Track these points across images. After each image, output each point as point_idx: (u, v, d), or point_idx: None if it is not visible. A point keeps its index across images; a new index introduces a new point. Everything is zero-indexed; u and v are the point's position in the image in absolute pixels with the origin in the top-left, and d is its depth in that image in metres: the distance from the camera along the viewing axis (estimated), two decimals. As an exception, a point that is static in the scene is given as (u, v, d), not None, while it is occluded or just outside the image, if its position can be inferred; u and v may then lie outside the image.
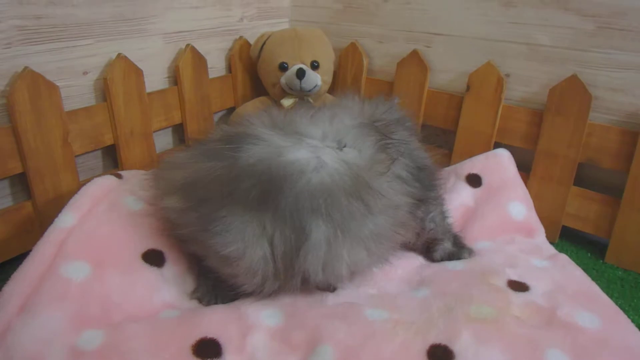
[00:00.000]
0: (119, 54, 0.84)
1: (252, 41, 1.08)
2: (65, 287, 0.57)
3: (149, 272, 0.64)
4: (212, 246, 0.58)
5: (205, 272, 0.65)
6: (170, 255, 0.67)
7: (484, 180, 0.85)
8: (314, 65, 1.00)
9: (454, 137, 0.99)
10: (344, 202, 0.57)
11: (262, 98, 1.07)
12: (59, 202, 0.76)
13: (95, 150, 0.85)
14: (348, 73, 1.10)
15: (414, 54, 1.00)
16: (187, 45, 0.96)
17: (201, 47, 0.98)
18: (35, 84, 0.73)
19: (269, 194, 0.57)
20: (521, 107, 0.91)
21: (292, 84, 0.98)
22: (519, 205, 0.82)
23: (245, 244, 0.57)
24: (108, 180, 0.73)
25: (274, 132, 0.63)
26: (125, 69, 0.85)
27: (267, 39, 1.03)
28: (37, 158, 0.75)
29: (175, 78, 0.96)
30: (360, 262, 0.60)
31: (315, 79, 0.99)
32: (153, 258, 0.66)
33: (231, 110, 1.11)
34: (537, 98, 0.90)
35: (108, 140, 0.86)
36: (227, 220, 0.57)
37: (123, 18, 0.85)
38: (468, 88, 0.94)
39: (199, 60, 0.98)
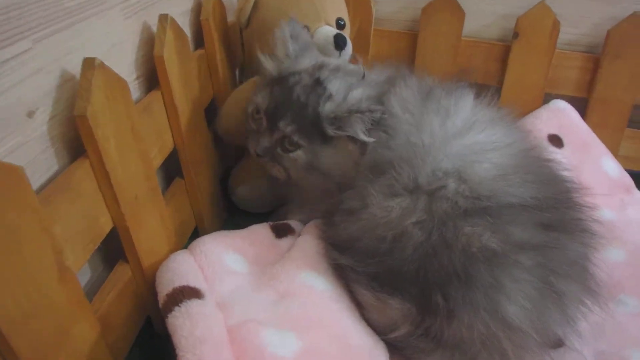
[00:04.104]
0: (89, 60, 0.41)
1: (222, -5, 0.70)
2: None
3: None
4: None
5: None
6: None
7: (565, 139, 0.78)
8: (340, 25, 0.71)
9: (496, 92, 0.85)
10: None
11: (258, 79, 0.72)
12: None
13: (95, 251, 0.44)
14: (352, 27, 0.83)
15: (446, -4, 0.80)
16: (165, 16, 0.54)
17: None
18: None
19: None
20: (573, 52, 0.82)
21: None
22: (609, 161, 0.77)
23: None
24: (199, 308, 0.40)
25: None
26: (107, 85, 0.43)
27: (260, -9, 0.67)
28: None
29: (150, 77, 0.56)
30: None
31: (350, 46, 0.70)
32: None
33: (212, 107, 0.72)
34: (585, 40, 0.82)
35: (106, 224, 0.46)
36: None
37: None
38: (516, 35, 0.80)
39: (182, 42, 0.58)
